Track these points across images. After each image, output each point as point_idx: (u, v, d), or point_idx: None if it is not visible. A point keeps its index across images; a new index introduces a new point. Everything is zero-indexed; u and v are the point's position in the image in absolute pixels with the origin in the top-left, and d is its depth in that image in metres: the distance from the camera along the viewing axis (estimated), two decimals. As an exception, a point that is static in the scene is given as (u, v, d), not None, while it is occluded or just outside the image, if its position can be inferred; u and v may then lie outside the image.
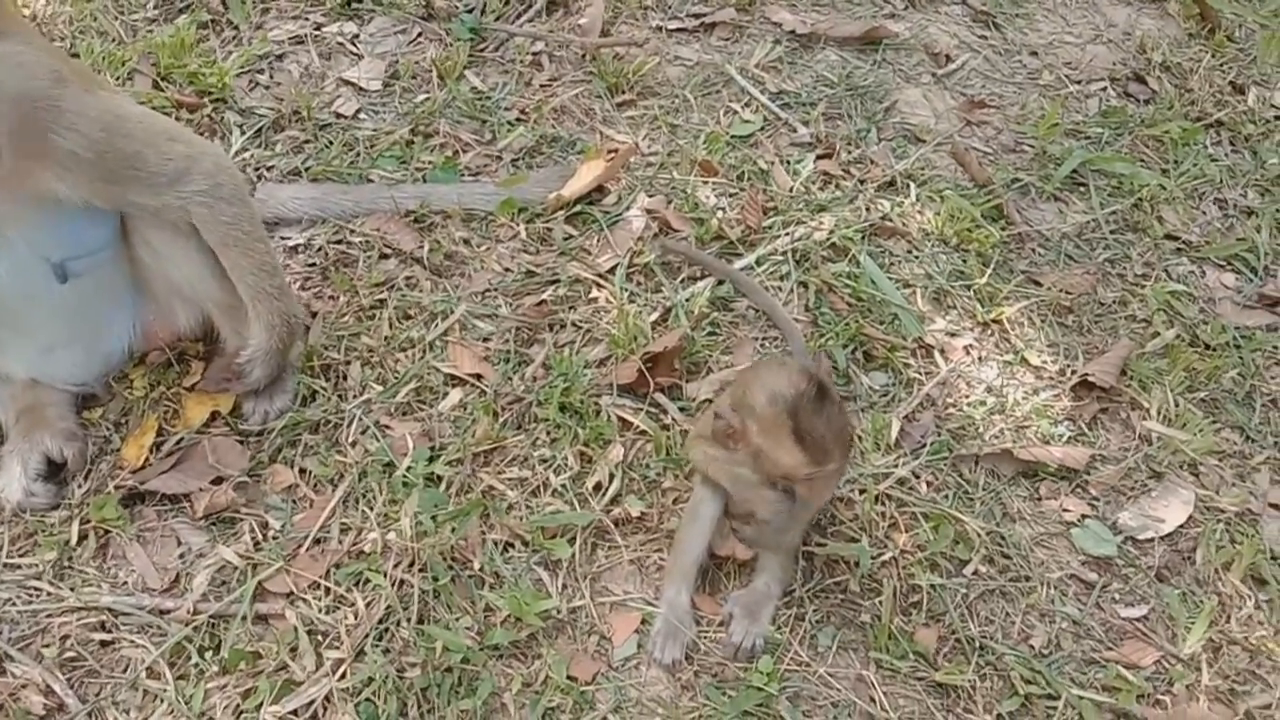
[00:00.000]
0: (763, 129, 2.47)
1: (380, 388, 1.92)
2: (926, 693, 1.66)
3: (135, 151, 1.61)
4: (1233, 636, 1.78)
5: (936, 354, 2.09)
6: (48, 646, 1.61)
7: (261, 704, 1.55)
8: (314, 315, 2.02)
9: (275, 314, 1.77)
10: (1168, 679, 1.72)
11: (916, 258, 2.25)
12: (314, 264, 2.13)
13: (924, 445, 1.94)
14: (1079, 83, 2.73)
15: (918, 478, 1.90)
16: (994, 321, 2.16)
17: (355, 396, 1.91)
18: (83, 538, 1.73)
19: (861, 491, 1.85)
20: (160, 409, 1.89)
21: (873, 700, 1.64)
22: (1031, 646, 1.72)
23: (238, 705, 1.56)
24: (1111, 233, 2.38)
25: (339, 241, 2.17)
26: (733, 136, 2.44)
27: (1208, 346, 2.19)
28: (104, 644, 1.62)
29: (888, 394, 2.02)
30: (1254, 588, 1.84)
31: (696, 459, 1.71)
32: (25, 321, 1.75)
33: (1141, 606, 1.80)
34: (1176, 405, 2.07)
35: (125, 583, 1.69)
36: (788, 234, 2.23)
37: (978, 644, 1.70)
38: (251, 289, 1.75)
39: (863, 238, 2.24)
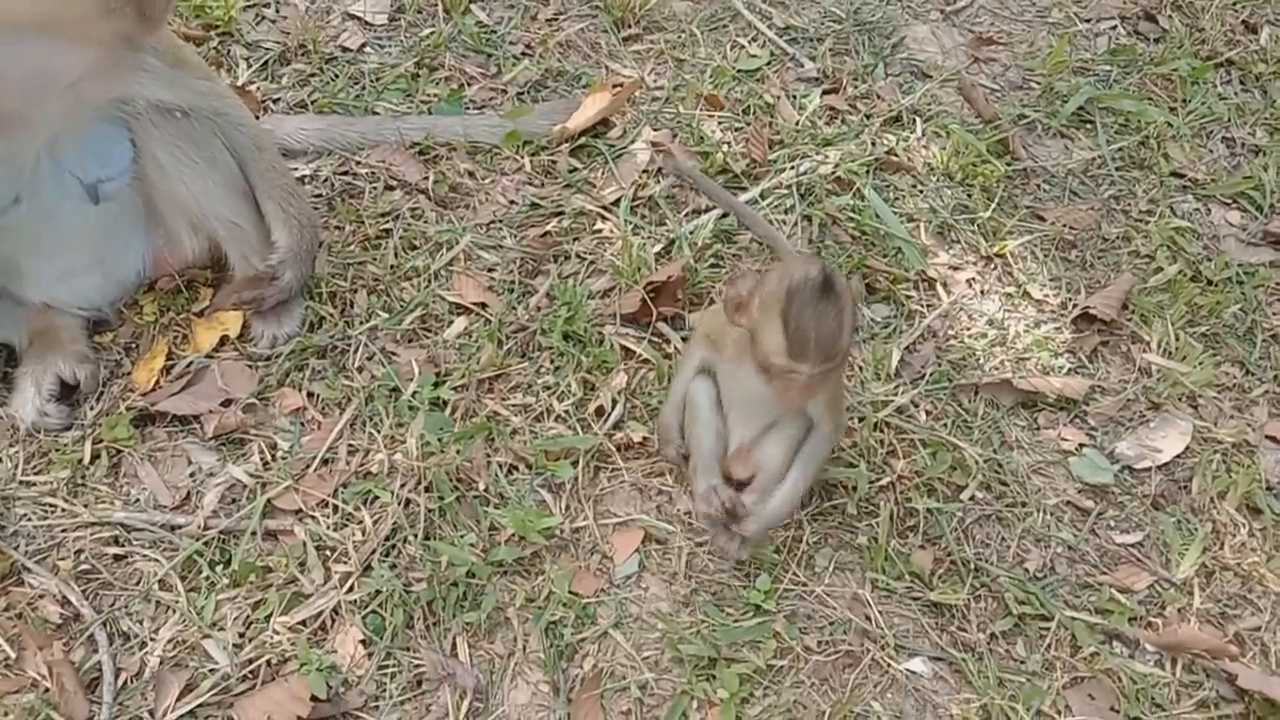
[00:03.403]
0: (769, 64, 2.46)
1: (386, 315, 1.94)
2: (921, 612, 1.69)
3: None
4: (1225, 562, 1.81)
5: (939, 287, 2.10)
6: (63, 560, 1.65)
7: (271, 614, 1.59)
8: (321, 244, 2.04)
9: (298, 213, 1.82)
10: (1160, 602, 1.75)
11: (921, 192, 2.25)
12: (320, 195, 2.14)
13: (924, 375, 1.95)
14: (1089, 21, 2.71)
15: (917, 406, 1.92)
16: (997, 255, 2.17)
17: (361, 323, 1.93)
18: (95, 457, 1.76)
19: (861, 419, 1.87)
20: (170, 334, 1.92)
21: (868, 618, 1.67)
22: (1026, 570, 1.75)
23: (248, 616, 1.60)
24: (1117, 169, 2.38)
25: (345, 173, 2.18)
26: (739, 71, 2.43)
27: (1210, 282, 2.19)
28: (117, 558, 1.66)
29: (889, 325, 2.03)
30: (1248, 516, 1.86)
31: (701, 323, 1.73)
32: (48, 246, 1.77)
33: (1136, 533, 1.82)
34: (1177, 339, 2.08)
35: (137, 500, 1.72)
36: (793, 168, 2.23)
37: (973, 566, 1.73)
38: (270, 186, 1.81)
39: (868, 172, 2.24)
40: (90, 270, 1.83)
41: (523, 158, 2.21)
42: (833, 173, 2.22)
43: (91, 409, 1.82)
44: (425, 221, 2.09)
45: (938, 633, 1.67)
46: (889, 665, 1.63)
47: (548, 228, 2.10)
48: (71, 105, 1.59)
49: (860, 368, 1.96)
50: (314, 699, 1.50)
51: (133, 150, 1.73)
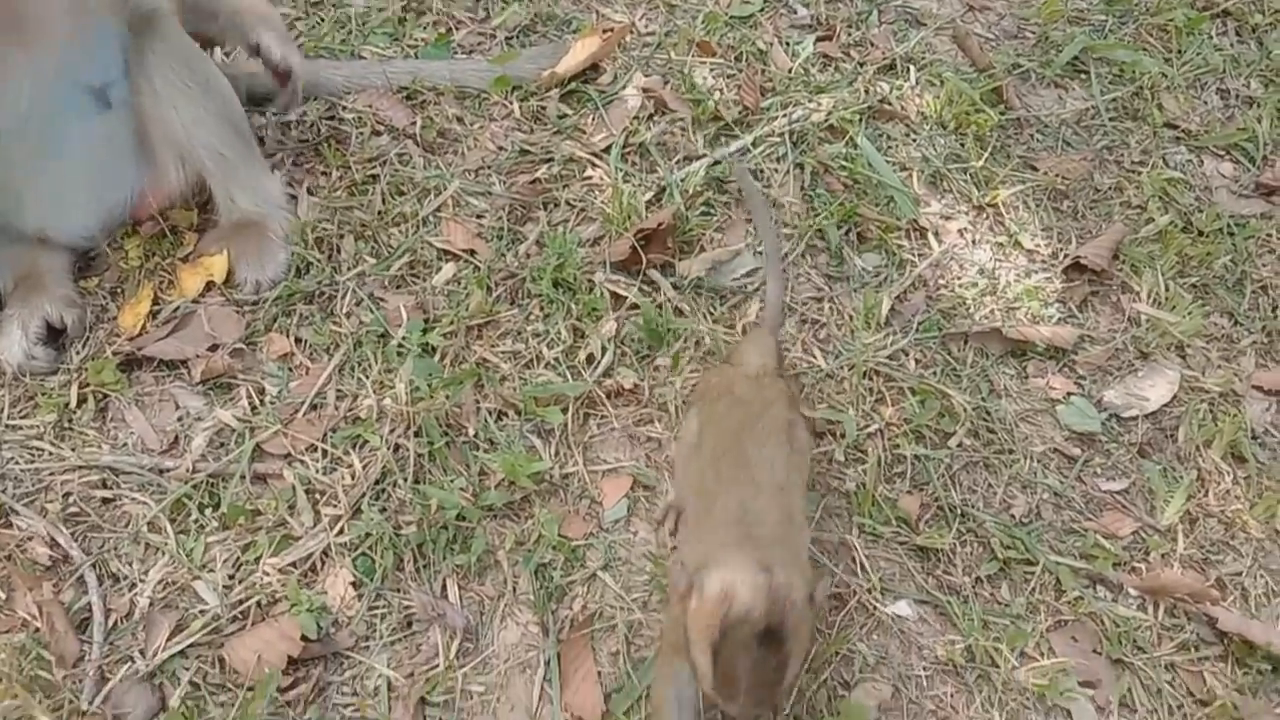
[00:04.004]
0: (762, 10, 2.43)
1: (374, 261, 1.93)
2: (907, 556, 1.71)
3: None
4: (1209, 509, 1.82)
5: (930, 236, 2.09)
6: (51, 502, 1.65)
7: (260, 556, 1.59)
8: (307, 191, 2.02)
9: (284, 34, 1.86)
10: (1144, 548, 1.77)
11: (914, 140, 2.24)
12: (306, 140, 2.11)
13: (914, 323, 1.95)
14: (1085, -31, 2.67)
15: (906, 355, 1.92)
16: (989, 205, 2.16)
17: (349, 269, 1.92)
18: (82, 400, 1.75)
19: (850, 367, 1.87)
20: (155, 279, 1.90)
21: (854, 561, 1.69)
22: (1012, 515, 1.76)
23: (237, 558, 1.60)
24: (1110, 120, 2.37)
25: (331, 117, 2.15)
26: (731, 17, 2.40)
27: (1201, 233, 2.19)
28: (105, 501, 1.66)
29: (880, 274, 2.03)
30: (1233, 464, 1.88)
31: (666, 634, 1.47)
32: (46, 163, 1.75)
33: (1122, 480, 1.84)
34: (1167, 289, 2.08)
35: (125, 443, 1.72)
36: (785, 115, 2.21)
37: (959, 511, 1.74)
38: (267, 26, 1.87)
39: (861, 120, 2.23)
40: (85, 191, 1.82)
41: (511, 103, 2.19)
42: (825, 120, 2.20)
43: (77, 353, 1.81)
44: (413, 167, 2.07)
45: (923, 576, 1.69)
46: (875, 607, 1.65)
47: (537, 174, 2.08)
48: (81, 11, 1.57)
49: (850, 316, 1.95)
50: (305, 639, 1.51)
51: (126, 63, 1.71)
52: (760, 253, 1.98)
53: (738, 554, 1.27)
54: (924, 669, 1.61)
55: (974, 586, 1.69)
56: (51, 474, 1.68)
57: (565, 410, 1.78)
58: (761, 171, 2.12)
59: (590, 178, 2.08)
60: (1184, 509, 1.80)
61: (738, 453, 1.46)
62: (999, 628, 1.64)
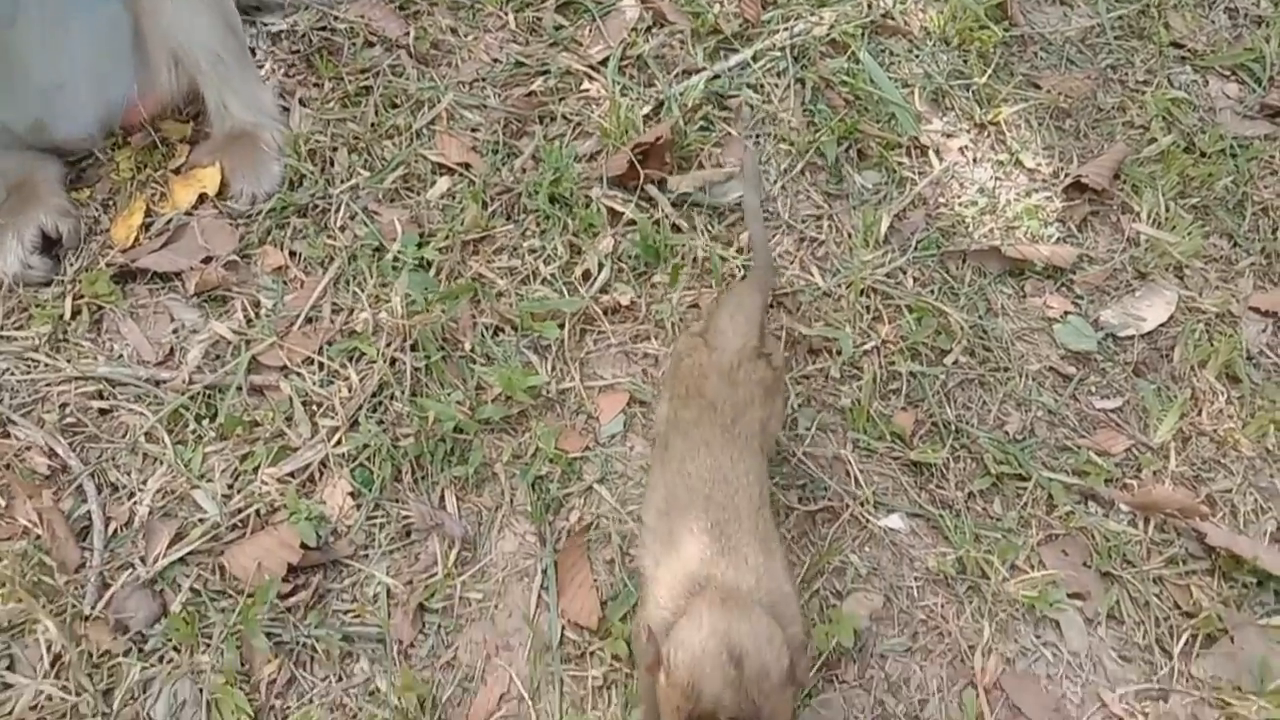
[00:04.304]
0: (763, -79, 2.37)
1: (367, 174, 1.90)
2: (901, 471, 1.72)
3: None
4: (1202, 428, 1.83)
5: (931, 154, 2.07)
6: (48, 413, 1.65)
7: (259, 466, 1.60)
8: (299, 102, 1.99)
9: None
10: (1136, 465, 1.78)
11: (916, 56, 2.20)
12: (298, 50, 2.07)
13: (913, 242, 1.94)
14: (1095, -119, 2.60)
15: (904, 273, 1.91)
16: (991, 123, 2.13)
17: (343, 182, 1.89)
18: (76, 312, 1.74)
19: (848, 285, 1.86)
20: (147, 191, 1.88)
21: (848, 476, 1.70)
22: (1006, 432, 1.77)
23: (236, 468, 1.61)
24: (1116, 38, 2.33)
25: (323, 28, 2.11)
26: (732, -72, 2.34)
27: (1203, 154, 2.17)
28: (102, 411, 1.66)
29: (879, 192, 2.01)
30: (1227, 384, 1.88)
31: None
32: (48, 49, 1.73)
33: (1116, 399, 1.85)
34: (1167, 210, 2.07)
35: (120, 355, 1.71)
36: (787, 29, 2.17)
37: (953, 428, 1.75)
38: None
39: (863, 34, 2.19)
40: (86, 84, 1.79)
41: (506, 14, 2.14)
42: (827, 35, 2.16)
43: (71, 265, 1.79)
44: (406, 79, 2.03)
45: (916, 491, 1.71)
46: (867, 521, 1.67)
47: (532, 87, 2.04)
48: None
49: (849, 234, 1.94)
50: (304, 547, 1.53)
51: None
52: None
53: (708, 631, 1.15)
54: (915, 580, 1.64)
55: (966, 501, 1.70)
56: (48, 385, 1.67)
57: (562, 326, 1.77)
58: (762, 86, 2.09)
59: (587, 91, 2.05)
60: (1177, 427, 1.81)
61: (708, 470, 1.34)
62: (990, 541, 1.66)
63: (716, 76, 2.08)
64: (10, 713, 1.41)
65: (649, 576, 1.32)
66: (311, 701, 1.47)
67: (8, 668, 1.45)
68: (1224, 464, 1.81)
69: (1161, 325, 1.94)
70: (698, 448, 1.36)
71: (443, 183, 1.91)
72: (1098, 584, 1.66)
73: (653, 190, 1.92)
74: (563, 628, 1.55)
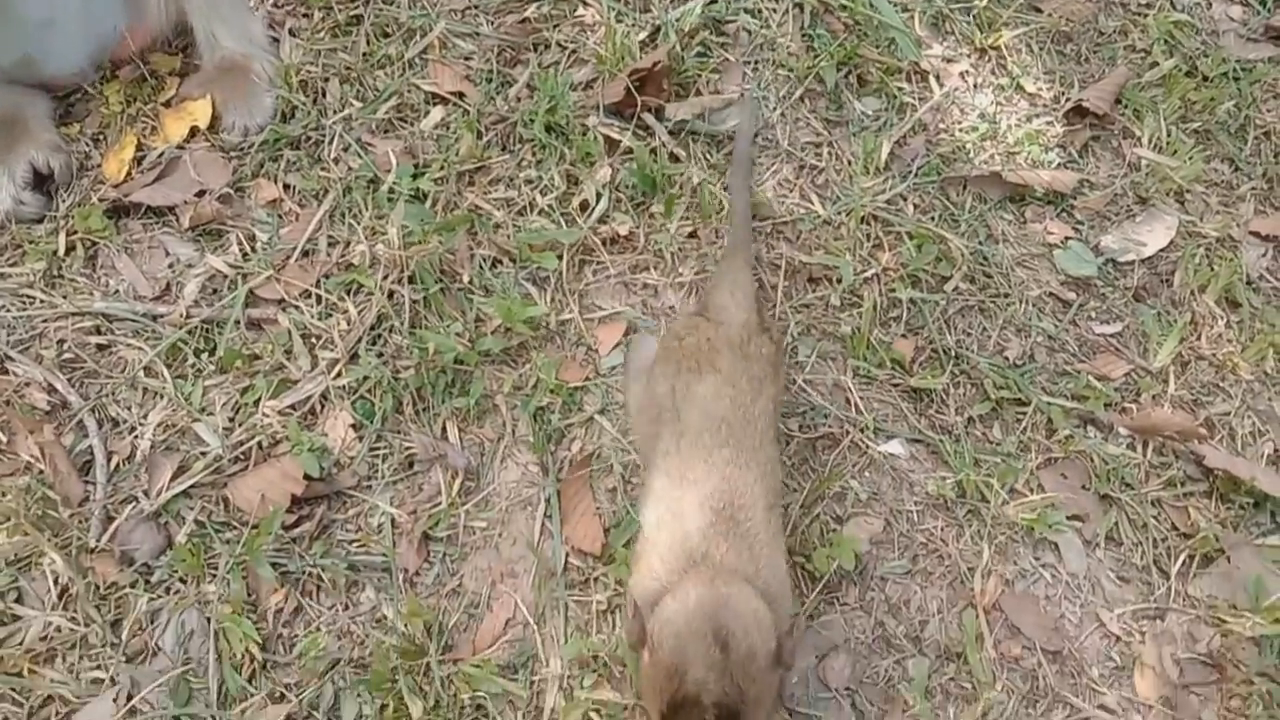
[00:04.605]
0: None
1: (360, 104, 1.88)
2: (901, 397, 1.72)
3: None
4: (1201, 352, 1.84)
5: (931, 79, 2.04)
6: (46, 349, 1.64)
7: (259, 399, 1.60)
8: (289, 32, 1.95)
9: None
10: (1135, 389, 1.78)
11: (916, -20, 2.16)
12: (286, -21, 2.03)
13: (913, 168, 1.92)
14: None
15: (905, 200, 1.90)
16: (991, 48, 2.10)
17: (335, 113, 1.87)
18: (70, 248, 1.73)
19: (848, 213, 1.85)
20: (138, 125, 1.85)
21: (848, 403, 1.71)
22: (1006, 358, 1.77)
23: (236, 401, 1.61)
24: (1119, -41, 2.28)
25: (311, -44, 2.06)
26: None
27: (1205, 78, 2.14)
28: (100, 347, 1.65)
29: (879, 119, 1.99)
30: (1226, 308, 1.88)
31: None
32: None
33: (1116, 324, 1.84)
34: (1169, 134, 2.05)
35: (116, 290, 1.70)
36: (783, -47, 2.12)
37: (953, 354, 1.75)
38: None
39: (861, -42, 2.14)
40: (73, 19, 1.76)
41: (499, -60, 2.09)
42: (825, -41, 2.12)
43: (63, 201, 1.77)
44: (397, 7, 1.99)
45: (916, 417, 1.71)
46: (868, 447, 1.67)
47: (526, 13, 2.01)
48: None
49: (849, 161, 1.92)
50: (307, 478, 1.53)
51: None
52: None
53: (697, 611, 1.11)
54: (915, 505, 1.65)
55: (966, 426, 1.71)
56: (45, 321, 1.66)
57: (560, 257, 1.76)
58: (759, 11, 2.05)
59: (581, 17, 2.01)
60: (1176, 352, 1.82)
61: (726, 452, 1.29)
62: (990, 465, 1.67)
63: (713, 1, 2.05)
64: (21, 643, 1.43)
65: (647, 537, 1.28)
66: (319, 629, 1.49)
67: (16, 600, 1.47)
68: (1222, 388, 1.81)
69: (1162, 250, 1.93)
70: (719, 425, 1.32)
71: (436, 113, 1.88)
72: (1096, 506, 1.67)
73: (650, 118, 1.90)
74: (566, 554, 1.56)
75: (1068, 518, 1.64)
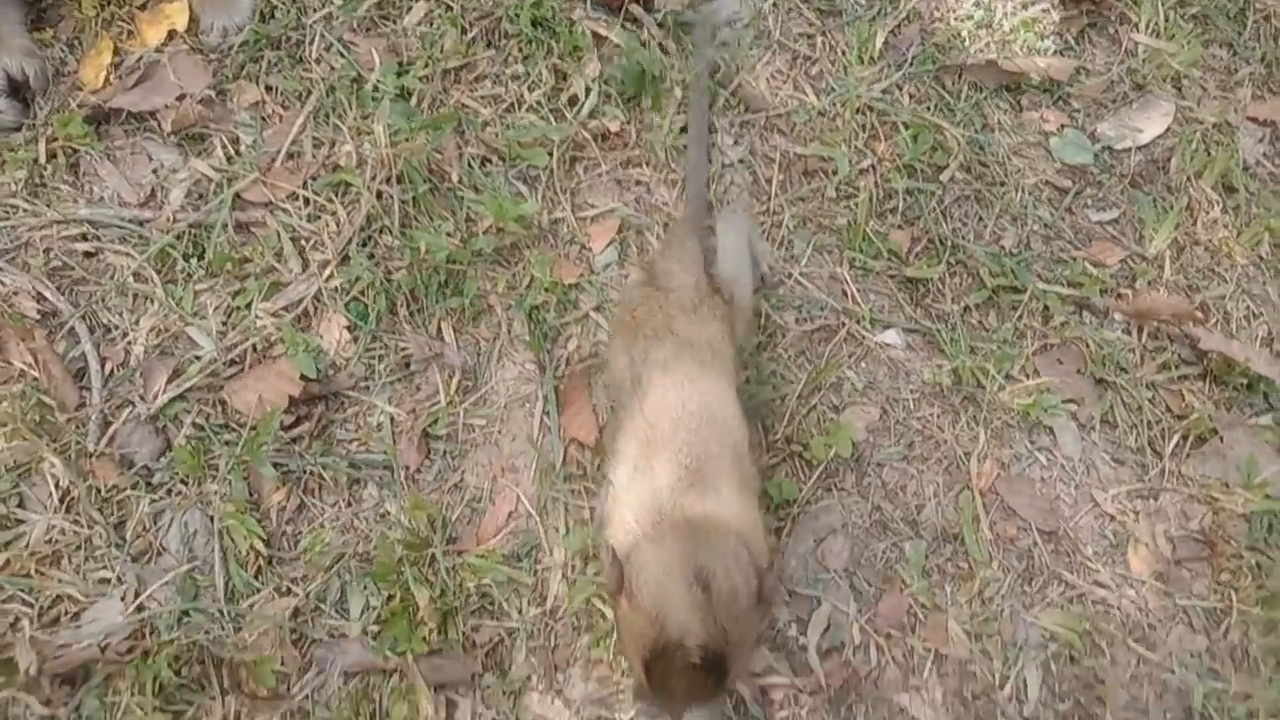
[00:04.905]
0: None
1: (340, 2, 1.82)
2: (897, 288, 1.72)
3: None
4: (1197, 238, 1.83)
5: (924, -34, 2.00)
6: (33, 258, 1.62)
7: (251, 302, 1.59)
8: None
9: None
10: (1131, 275, 1.78)
11: None
12: (258, -125, 1.96)
13: (908, 58, 1.89)
14: None
15: (900, 89, 1.87)
16: (986, -67, 2.05)
17: (315, 11, 1.81)
18: (51, 156, 1.69)
19: (843, 103, 1.82)
20: (114, 30, 1.80)
21: (845, 295, 1.70)
22: (1002, 246, 1.77)
23: (228, 304, 1.60)
24: None
25: None
26: None
27: (1205, -41, 2.10)
28: (87, 254, 1.63)
29: (873, 7, 1.94)
30: (1222, 194, 1.87)
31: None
32: None
33: (1112, 211, 1.83)
34: (1166, 19, 2.01)
35: (101, 197, 1.67)
36: None
37: (949, 243, 1.74)
38: None
39: None
40: None
41: None
42: None
43: (40, 109, 1.73)
44: (376, -99, 1.93)
45: (912, 306, 1.71)
46: (864, 337, 1.67)
47: (509, -94, 1.95)
48: None
49: (843, 52, 1.89)
50: (304, 379, 1.53)
51: None
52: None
53: (675, 554, 1.09)
54: (911, 393, 1.66)
55: (962, 315, 1.71)
56: (29, 230, 1.64)
57: (550, 153, 1.73)
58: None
59: (565, -91, 1.95)
60: (1172, 238, 1.81)
61: (693, 409, 1.28)
62: (986, 352, 1.67)
63: (700, -110, 1.98)
64: (26, 546, 1.44)
65: (618, 495, 1.26)
66: (323, 526, 1.50)
67: (18, 505, 1.47)
68: (1218, 272, 1.81)
69: (1158, 137, 1.91)
70: (681, 383, 1.31)
71: (419, 8, 1.83)
72: (1091, 391, 1.68)
73: (638, 10, 1.85)
74: (566, 448, 1.57)
75: (1063, 402, 1.65)
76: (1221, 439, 1.67)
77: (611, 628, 1.42)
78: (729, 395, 1.33)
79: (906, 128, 1.80)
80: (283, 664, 1.41)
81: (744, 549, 1.12)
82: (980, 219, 1.79)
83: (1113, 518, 1.61)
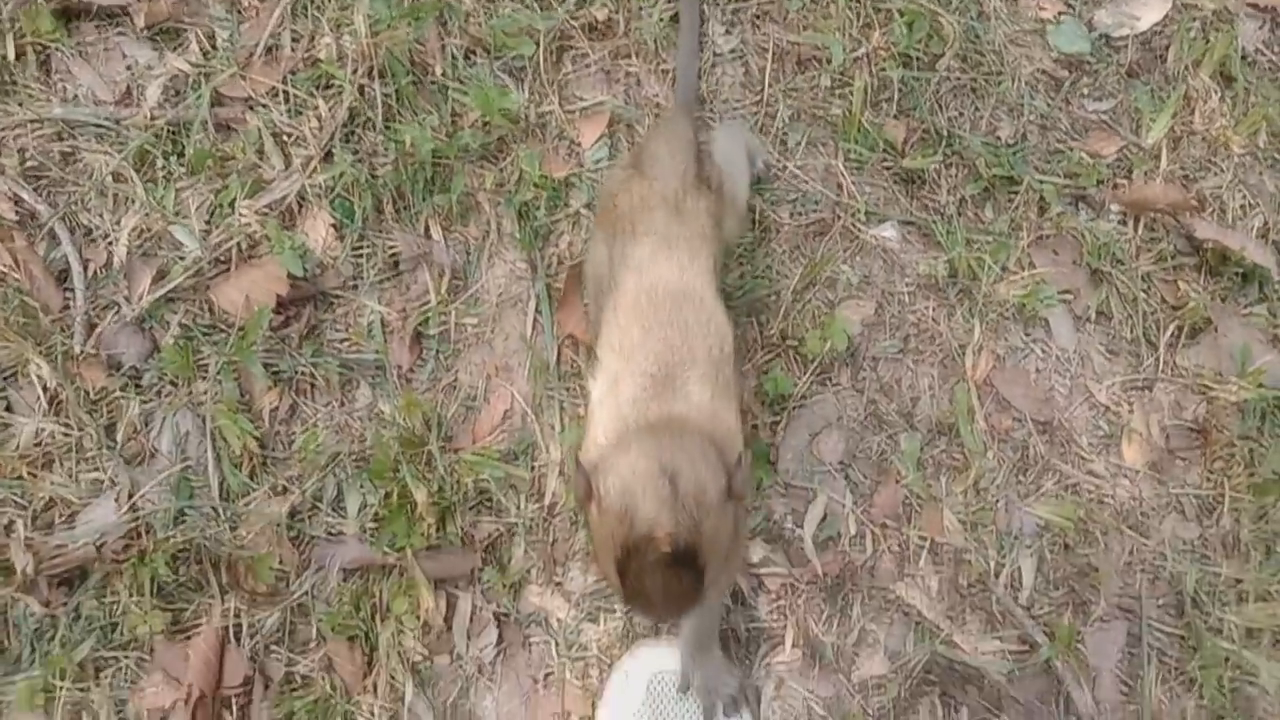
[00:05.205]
0: None
1: (316, -110, 1.76)
2: (893, 180, 1.69)
3: None
4: (1193, 128, 1.80)
5: None
6: (7, 159, 1.57)
7: (235, 200, 1.55)
8: None
9: None
10: (1128, 167, 1.76)
11: None
12: None
13: (902, -55, 1.84)
14: None
15: (894, -23, 1.82)
16: None
17: (290, -100, 1.75)
18: (20, 54, 1.63)
19: (835, -8, 1.77)
20: (77, -79, 1.73)
21: (840, 188, 1.67)
22: (998, 138, 1.74)
23: (211, 203, 1.56)
24: None
25: None
26: None
27: None
28: (64, 155, 1.59)
29: (865, -106, 1.88)
30: (1220, 83, 1.84)
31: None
32: None
33: (1109, 101, 1.80)
34: (1167, -97, 1.95)
35: (75, 96, 1.62)
36: None
37: (945, 135, 1.71)
38: None
39: None
40: None
41: None
42: None
43: (5, 5, 1.67)
44: None
45: (908, 199, 1.68)
46: (859, 231, 1.65)
47: None
48: None
49: (834, -61, 1.83)
50: (291, 278, 1.50)
51: None
52: None
53: (640, 454, 1.05)
54: (906, 287, 1.64)
55: (958, 207, 1.69)
56: (2, 130, 1.59)
57: (537, 43, 1.68)
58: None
59: None
60: (1169, 128, 1.78)
61: (666, 314, 1.23)
62: (981, 244, 1.66)
63: None
64: (16, 450, 1.42)
65: (592, 410, 1.23)
66: (316, 426, 1.49)
67: (6, 409, 1.45)
68: (1214, 162, 1.79)
69: (1156, 25, 1.86)
70: (655, 288, 1.25)
71: (397, -103, 1.76)
72: (1087, 282, 1.67)
73: (625, -103, 1.79)
74: (560, 346, 1.55)
75: (1059, 293, 1.64)
76: (1216, 330, 1.67)
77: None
78: (709, 299, 1.27)
79: (901, 15, 1.76)
80: (281, 562, 1.41)
81: (711, 447, 1.10)
82: (976, 110, 1.76)
83: (1107, 408, 1.62)
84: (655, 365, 1.19)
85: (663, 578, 1.02)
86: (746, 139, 1.64)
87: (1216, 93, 1.83)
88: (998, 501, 1.55)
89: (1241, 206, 1.76)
